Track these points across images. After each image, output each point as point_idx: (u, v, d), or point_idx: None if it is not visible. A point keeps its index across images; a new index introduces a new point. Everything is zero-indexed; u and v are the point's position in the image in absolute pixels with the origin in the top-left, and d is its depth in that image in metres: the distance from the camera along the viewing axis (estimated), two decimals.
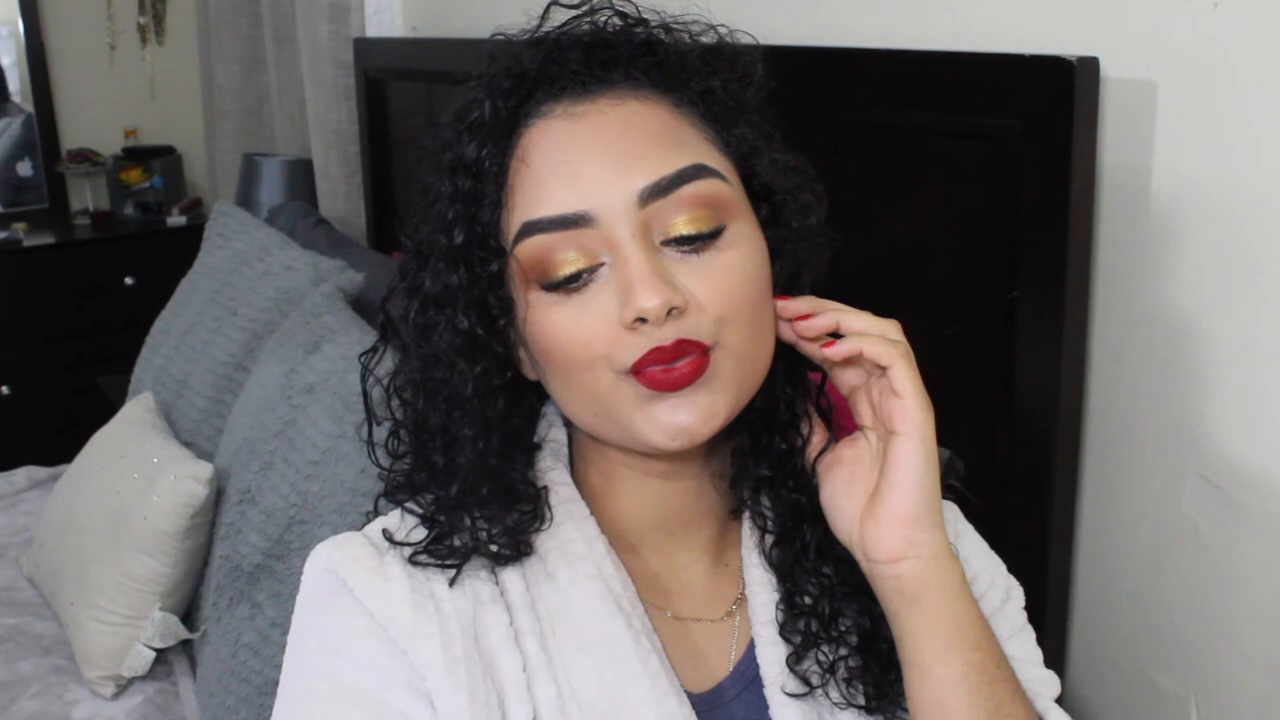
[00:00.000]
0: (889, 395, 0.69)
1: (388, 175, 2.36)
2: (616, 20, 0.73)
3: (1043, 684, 0.78)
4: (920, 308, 1.13)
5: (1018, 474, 1.09)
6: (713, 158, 0.70)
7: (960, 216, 1.13)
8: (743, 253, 0.69)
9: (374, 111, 2.32)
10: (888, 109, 1.16)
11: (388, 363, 0.77)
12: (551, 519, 0.74)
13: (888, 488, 0.69)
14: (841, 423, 0.77)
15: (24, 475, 2.30)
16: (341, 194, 2.52)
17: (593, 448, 0.77)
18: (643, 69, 0.72)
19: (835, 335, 0.71)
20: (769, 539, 0.77)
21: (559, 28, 0.73)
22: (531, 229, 0.68)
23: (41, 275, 3.26)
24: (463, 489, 0.73)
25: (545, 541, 0.74)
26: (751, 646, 0.76)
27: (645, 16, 0.74)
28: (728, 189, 0.70)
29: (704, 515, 0.78)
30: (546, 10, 0.74)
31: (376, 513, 0.78)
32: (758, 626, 0.75)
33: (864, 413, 0.73)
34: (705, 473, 0.77)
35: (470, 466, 0.73)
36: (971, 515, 0.86)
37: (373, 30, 2.37)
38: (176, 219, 3.46)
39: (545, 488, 0.75)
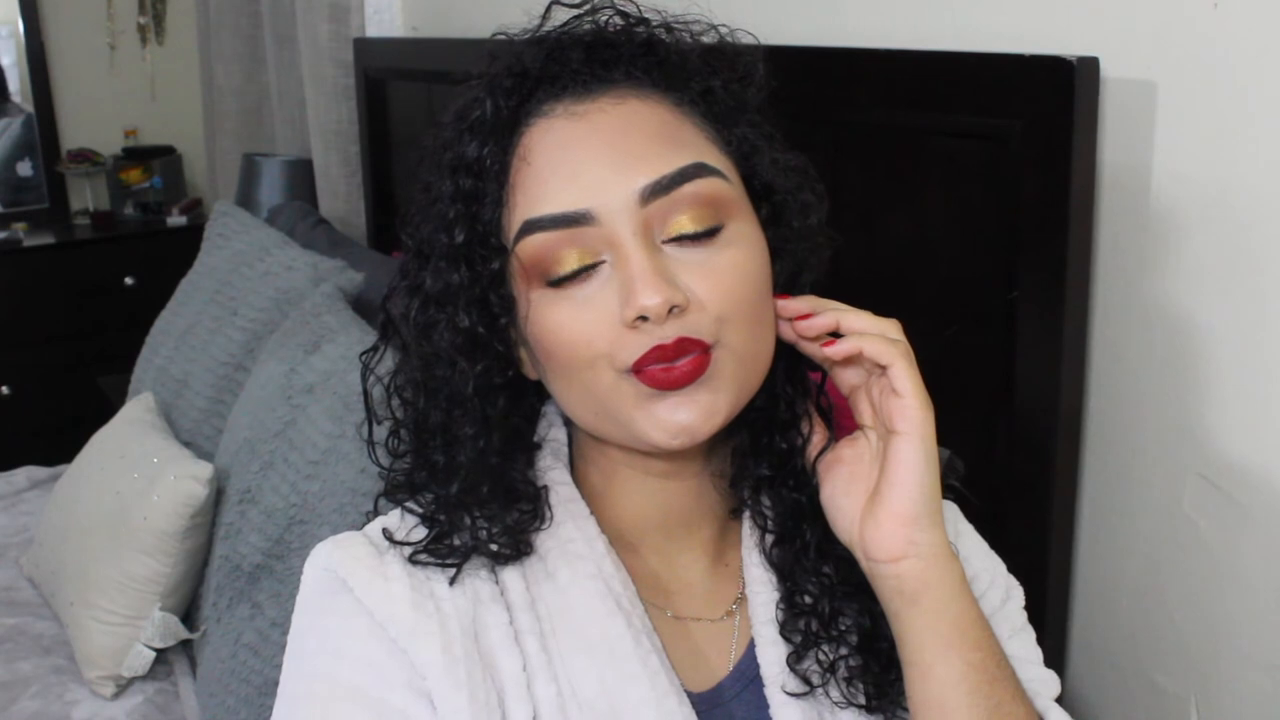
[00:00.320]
0: (889, 394, 0.69)
1: (388, 175, 2.36)
2: (618, 20, 0.74)
3: (1043, 683, 0.78)
4: (920, 308, 1.13)
5: (1018, 474, 1.09)
6: (713, 157, 0.70)
7: (960, 216, 1.13)
8: (743, 251, 0.69)
9: (374, 111, 2.32)
10: (888, 109, 1.16)
11: (388, 362, 0.77)
12: (551, 518, 0.74)
13: (888, 487, 0.69)
14: (842, 422, 0.77)
15: (24, 475, 2.30)
16: (341, 194, 2.52)
17: (593, 447, 0.77)
18: (644, 68, 0.72)
19: (835, 335, 0.71)
20: (769, 538, 0.77)
21: (560, 27, 0.73)
22: (532, 227, 0.68)
23: (41, 275, 3.26)
24: (463, 488, 0.73)
25: (545, 541, 0.74)
26: (751, 646, 0.76)
27: (646, 16, 0.74)
28: (728, 188, 0.70)
29: (704, 515, 0.78)
30: (548, 10, 0.74)
31: (376, 512, 0.78)
32: (758, 626, 0.75)
33: (864, 412, 0.73)
34: (705, 472, 0.77)
35: (470, 465, 0.73)
36: (971, 515, 0.86)
37: (373, 30, 2.37)
38: (176, 219, 3.46)
39: (545, 487, 0.75)
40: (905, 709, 0.72)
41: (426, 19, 2.31)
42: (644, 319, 0.65)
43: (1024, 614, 0.82)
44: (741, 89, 0.74)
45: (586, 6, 0.74)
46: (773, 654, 0.74)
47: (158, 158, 3.55)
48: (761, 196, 0.73)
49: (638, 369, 0.66)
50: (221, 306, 1.95)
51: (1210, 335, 0.99)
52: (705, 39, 0.76)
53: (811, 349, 0.72)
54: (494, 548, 0.72)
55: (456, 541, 0.72)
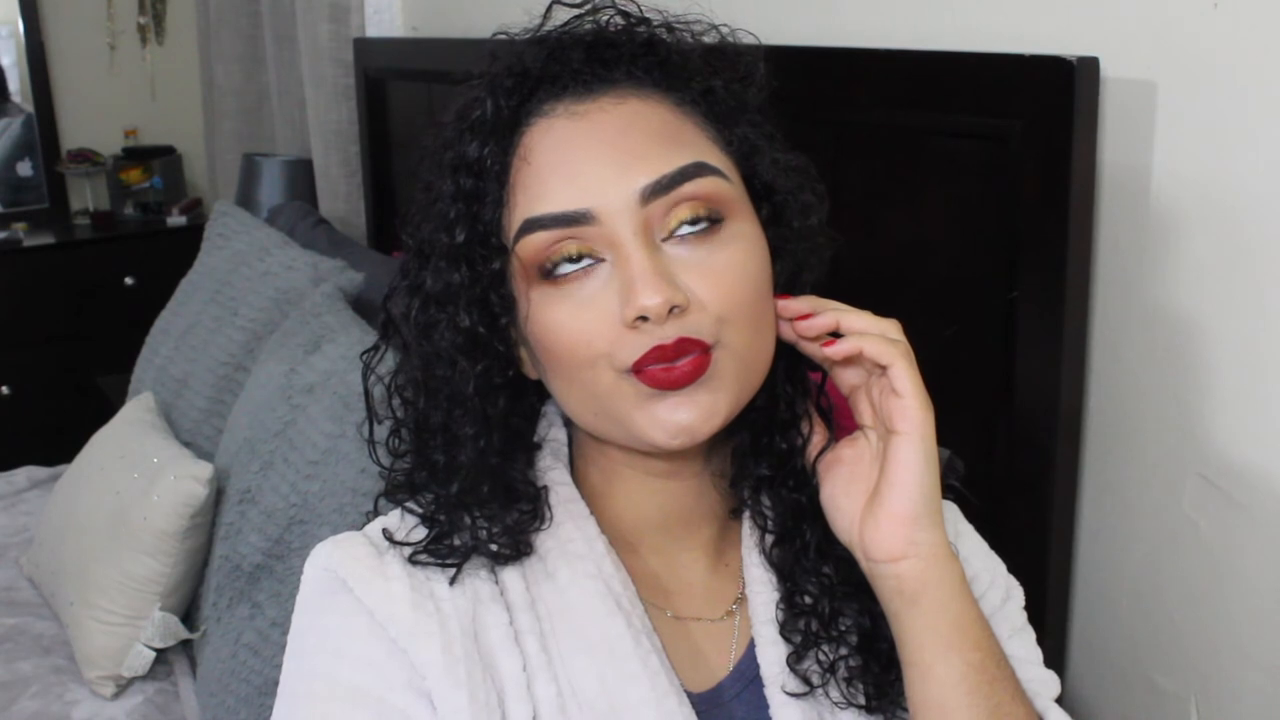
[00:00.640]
0: (889, 394, 0.69)
1: (388, 175, 2.36)
2: (619, 19, 0.74)
3: (1043, 684, 0.78)
4: (920, 308, 1.13)
5: (1018, 474, 1.09)
6: (714, 156, 0.70)
7: (960, 216, 1.13)
8: (744, 251, 0.69)
9: (374, 111, 2.32)
10: (888, 109, 1.16)
11: (389, 361, 0.77)
12: (551, 518, 0.74)
13: (887, 487, 0.69)
14: (842, 423, 0.77)
15: (24, 475, 2.30)
16: (341, 194, 2.52)
17: (593, 447, 0.77)
18: (645, 68, 0.72)
19: (835, 335, 0.71)
20: (769, 538, 0.77)
21: (561, 27, 0.73)
22: (533, 226, 0.68)
23: (41, 275, 3.26)
24: (463, 488, 0.73)
25: (545, 541, 0.74)
26: (751, 646, 0.76)
27: (647, 16, 0.74)
28: (729, 187, 0.70)
29: (704, 515, 0.78)
30: (549, 10, 0.74)
31: (376, 512, 0.78)
32: (758, 626, 0.75)
33: (864, 412, 0.73)
34: (705, 472, 0.77)
35: (471, 465, 0.73)
36: (971, 515, 0.86)
37: (373, 30, 2.37)
38: (176, 219, 3.46)
39: (545, 487, 0.75)
40: (905, 709, 0.72)
41: (426, 19, 2.31)
42: (644, 319, 0.65)
43: (1024, 614, 0.82)
44: (742, 89, 0.74)
45: (587, 6, 0.74)
46: (772, 654, 0.74)
47: (158, 158, 3.55)
48: (762, 197, 0.73)
49: (638, 369, 0.66)
50: (221, 306, 1.95)
51: (1210, 335, 0.99)
52: (706, 39, 0.76)
53: (811, 349, 0.72)
54: (494, 548, 0.72)
55: (456, 541, 0.72)
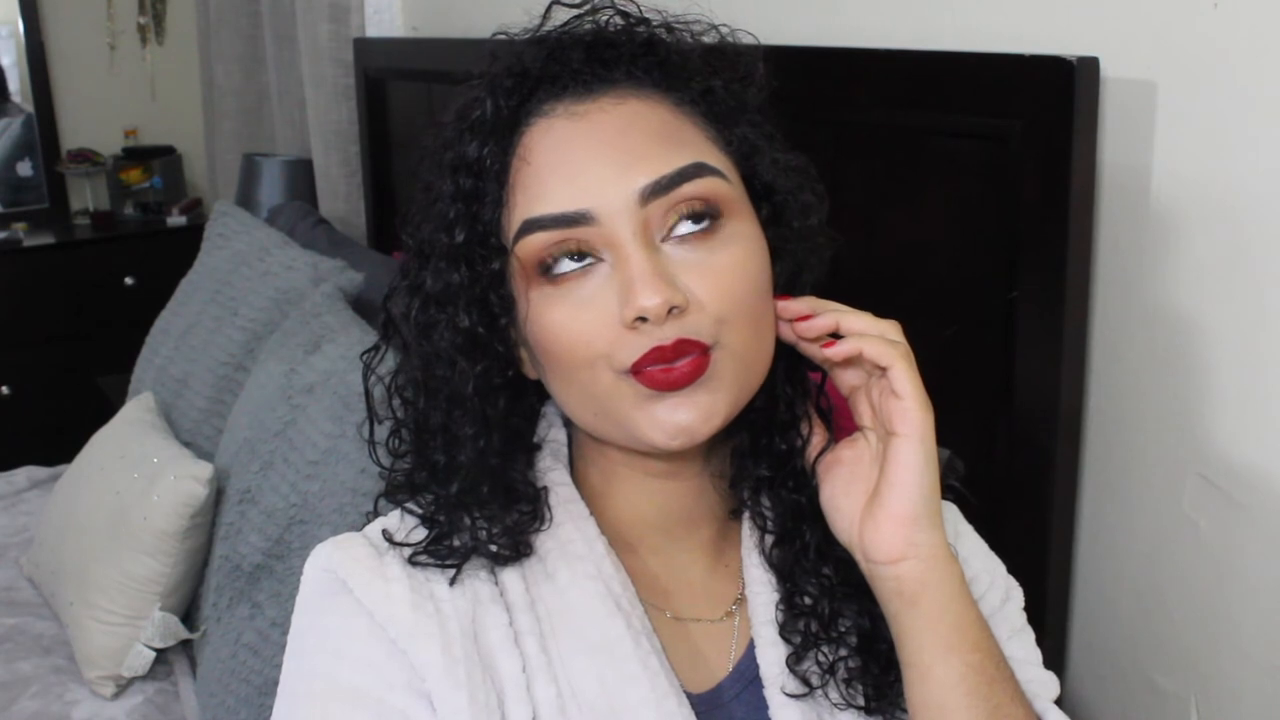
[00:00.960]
0: (888, 396, 0.69)
1: (388, 175, 2.36)
2: (618, 20, 0.73)
3: (1042, 685, 0.78)
4: (920, 308, 1.13)
5: (1018, 474, 1.09)
6: (714, 157, 0.70)
7: (960, 216, 1.13)
8: (743, 251, 0.69)
9: (374, 111, 2.32)
10: (888, 109, 1.16)
11: (390, 362, 0.77)
12: (551, 519, 0.74)
13: (887, 488, 0.69)
14: (841, 423, 0.77)
15: (24, 475, 2.30)
16: (341, 194, 2.52)
17: (592, 448, 0.77)
18: (644, 68, 0.72)
19: (835, 336, 0.71)
20: (769, 539, 0.77)
21: (561, 27, 0.73)
22: (532, 226, 0.68)
23: (41, 275, 3.26)
24: (463, 488, 0.73)
25: (545, 542, 0.74)
26: (751, 647, 0.76)
27: (647, 16, 0.74)
28: (728, 187, 0.70)
29: (704, 515, 0.78)
30: (548, 10, 0.74)
31: (376, 513, 0.78)
32: (757, 626, 0.75)
33: (864, 413, 0.73)
34: (705, 473, 0.77)
35: (471, 465, 0.73)
36: (971, 515, 0.86)
37: (373, 30, 2.37)
38: (176, 219, 3.46)
39: (545, 488, 0.75)
40: (904, 710, 0.72)
41: (426, 19, 2.31)
42: (643, 319, 0.65)
43: (1023, 615, 0.82)
44: (742, 89, 0.74)
45: (587, 6, 0.74)
46: (772, 655, 0.74)
47: (158, 158, 3.55)
48: (762, 197, 0.73)
49: (637, 370, 0.66)
50: (221, 306, 1.95)
51: (1210, 335, 0.99)
52: (706, 39, 0.76)
53: (811, 350, 0.72)
54: (493, 548, 0.72)
55: (456, 542, 0.72)
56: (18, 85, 3.48)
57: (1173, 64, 0.97)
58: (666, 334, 0.66)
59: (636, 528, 0.77)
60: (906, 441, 0.68)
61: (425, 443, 0.74)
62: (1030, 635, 0.81)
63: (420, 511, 0.74)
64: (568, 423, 0.79)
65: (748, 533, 0.78)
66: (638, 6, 0.74)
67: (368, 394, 0.77)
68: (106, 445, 1.84)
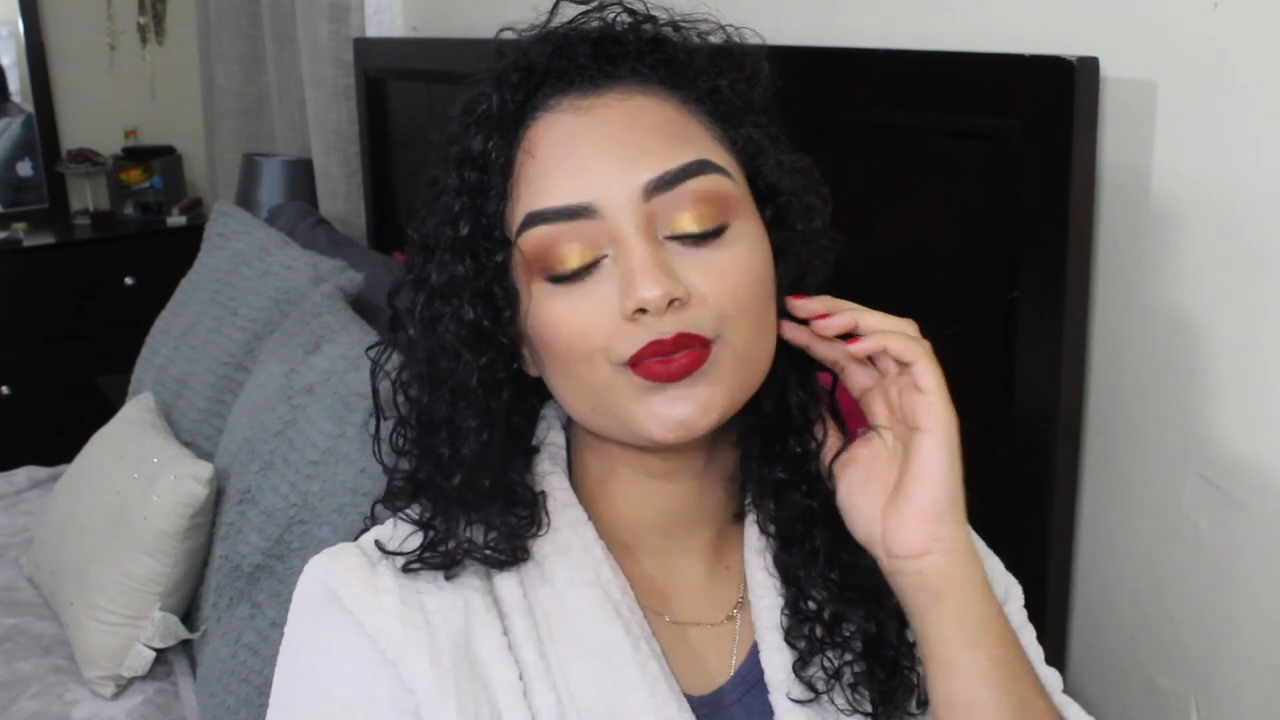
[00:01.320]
0: (911, 392, 0.69)
1: (388, 175, 2.36)
2: (625, 17, 0.74)
3: (1045, 682, 0.78)
4: (920, 308, 1.12)
5: (1018, 474, 1.09)
6: (718, 155, 0.70)
7: (960, 216, 1.13)
8: (746, 250, 0.69)
9: (374, 111, 2.32)
10: (888, 109, 1.16)
11: (397, 360, 0.77)
12: (549, 524, 0.74)
13: (912, 483, 0.68)
14: (851, 425, 0.77)
15: (24, 475, 2.30)
16: (341, 194, 2.52)
17: (591, 449, 0.77)
18: (651, 65, 0.72)
19: (850, 335, 0.71)
20: (774, 543, 0.77)
21: (568, 23, 0.73)
22: (535, 219, 0.68)
23: (41, 275, 3.26)
24: (464, 482, 0.72)
25: (542, 546, 0.73)
26: (754, 651, 0.75)
27: (654, 14, 0.74)
28: (732, 186, 0.69)
29: (703, 518, 0.78)
30: (555, 6, 0.74)
31: (374, 518, 0.78)
32: (762, 631, 0.75)
33: (879, 412, 0.72)
34: (706, 474, 0.77)
35: (474, 458, 0.72)
36: (971, 515, 0.85)
37: (373, 30, 2.37)
38: (176, 219, 3.46)
39: (543, 493, 0.75)
40: (911, 714, 0.72)
41: (426, 19, 2.31)
42: (643, 311, 0.65)
43: (1024, 613, 0.82)
44: (748, 89, 0.74)
45: (594, 4, 0.74)
46: (777, 660, 0.74)
47: (158, 158, 3.55)
48: (766, 198, 0.73)
49: (635, 362, 0.66)
50: (221, 306, 1.95)
51: (1210, 335, 0.99)
52: (712, 39, 0.76)
53: (825, 349, 0.72)
54: (489, 551, 0.72)
55: (452, 544, 0.72)
56: (18, 85, 3.48)
57: (1173, 64, 0.97)
58: (666, 327, 0.65)
59: (635, 530, 0.77)
60: (931, 436, 0.68)
61: (429, 436, 0.74)
62: (1031, 632, 0.81)
63: (415, 519, 0.74)
64: (567, 426, 0.79)
65: (752, 537, 0.78)
66: (645, 4, 0.75)
67: (374, 390, 0.76)
68: (106, 445, 1.84)
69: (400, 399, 0.75)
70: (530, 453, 0.77)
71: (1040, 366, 1.04)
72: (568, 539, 0.73)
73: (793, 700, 0.72)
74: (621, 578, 0.73)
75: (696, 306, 0.66)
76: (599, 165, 0.67)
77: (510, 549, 0.72)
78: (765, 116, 0.74)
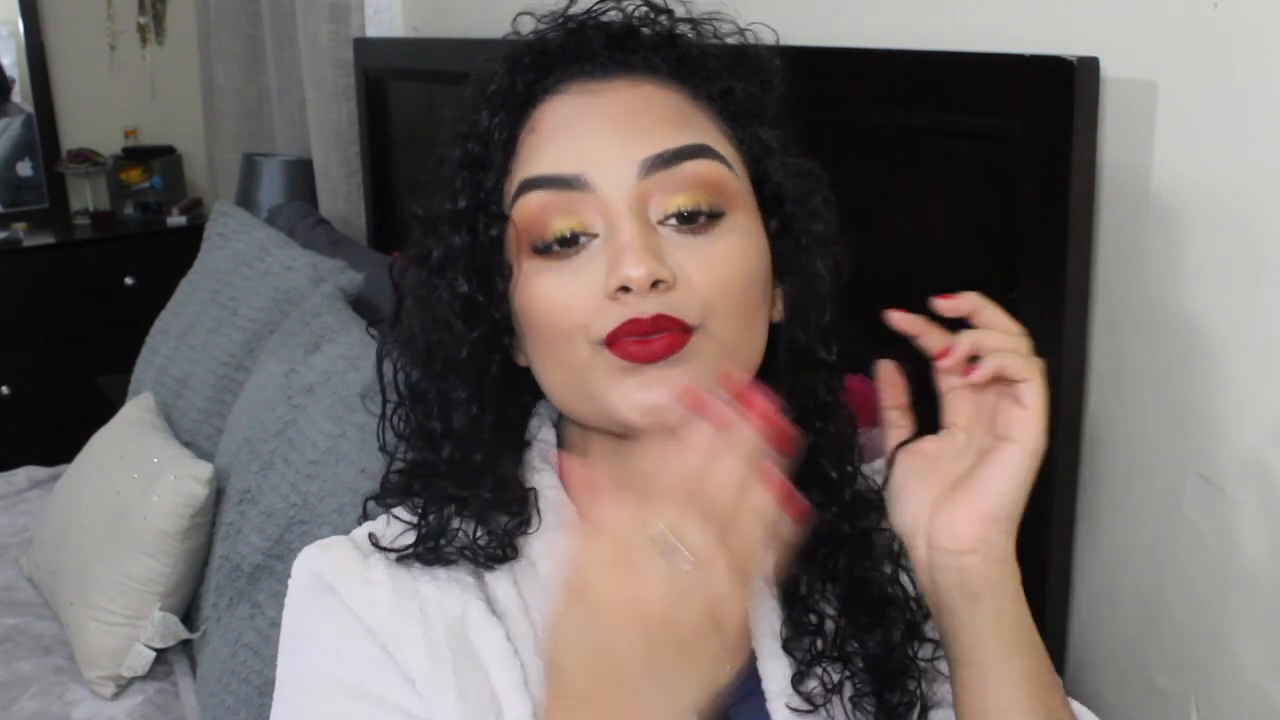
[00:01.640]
0: (1011, 404, 0.68)
1: (388, 175, 2.36)
2: (643, 10, 0.74)
3: None
4: (920, 308, 1.12)
5: None
6: (723, 147, 0.70)
7: (960, 216, 1.13)
8: (740, 243, 0.68)
9: (374, 111, 2.32)
10: (888, 109, 1.16)
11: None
12: (540, 522, 0.74)
13: (980, 483, 0.68)
14: (860, 423, 0.76)
15: (24, 475, 2.30)
16: (341, 194, 2.52)
17: (579, 445, 0.76)
18: (664, 59, 0.72)
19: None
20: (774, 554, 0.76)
21: (586, 12, 0.73)
22: (529, 185, 0.68)
23: (41, 275, 3.26)
24: (454, 457, 0.72)
25: (534, 544, 0.73)
26: (751, 659, 0.75)
27: (672, 9, 0.74)
28: (733, 178, 0.69)
29: None
30: None
31: (366, 515, 0.78)
32: (759, 639, 0.74)
33: (961, 411, 0.71)
34: None
35: (464, 432, 0.72)
36: None
37: (373, 30, 2.37)
38: (176, 219, 3.46)
39: (534, 490, 0.75)
40: None
41: (426, 19, 2.31)
42: (626, 290, 0.64)
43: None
44: (761, 93, 0.74)
45: None
46: (775, 668, 0.73)
47: (158, 158, 3.55)
48: (771, 202, 0.72)
49: (611, 341, 0.65)
50: (221, 306, 1.95)
51: (1210, 335, 0.99)
52: (731, 40, 0.76)
53: (935, 342, 0.70)
54: (481, 544, 0.72)
55: (443, 542, 0.72)
56: (18, 85, 3.48)
57: (1173, 64, 0.97)
58: (646, 307, 0.65)
59: None
60: (1019, 449, 0.67)
61: (421, 410, 0.74)
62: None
63: (408, 518, 0.74)
64: (558, 424, 0.79)
65: None
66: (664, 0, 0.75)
67: (379, 371, 0.76)
68: (106, 445, 1.84)
69: (400, 378, 0.75)
70: (521, 446, 0.77)
71: None
72: (560, 539, 0.73)
73: (791, 709, 0.72)
74: None
75: (682, 291, 0.65)
76: (597, 140, 0.67)
77: (501, 546, 0.72)
78: (777, 122, 0.74)
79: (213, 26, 3.04)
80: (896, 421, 0.74)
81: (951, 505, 0.69)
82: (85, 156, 3.48)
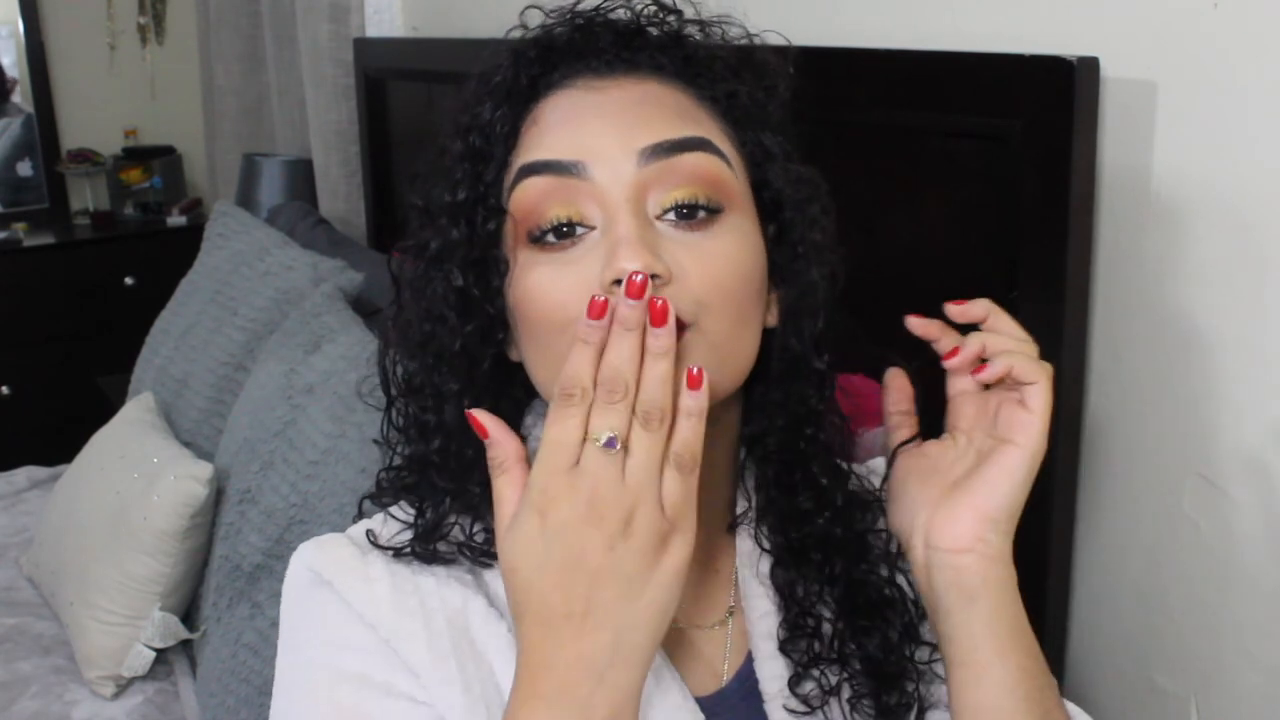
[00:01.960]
0: (1014, 406, 0.69)
1: (388, 175, 2.36)
2: (652, 8, 0.74)
3: None
4: (920, 308, 1.12)
5: None
6: (724, 147, 0.69)
7: (960, 216, 1.13)
8: (737, 241, 0.68)
9: (374, 111, 2.32)
10: (888, 109, 1.16)
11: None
12: None
13: (980, 483, 0.69)
14: (853, 426, 0.76)
15: (24, 475, 2.30)
16: (341, 194, 2.52)
17: None
18: (670, 59, 0.72)
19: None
20: (770, 557, 0.75)
21: (594, 8, 0.73)
22: (526, 171, 0.67)
23: (41, 275, 3.26)
24: (446, 448, 0.72)
25: None
26: (748, 660, 0.75)
27: (681, 9, 0.74)
28: (731, 176, 0.69)
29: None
30: None
31: (361, 514, 0.77)
32: (756, 639, 0.74)
33: (965, 415, 0.72)
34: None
35: (455, 424, 0.71)
36: None
37: (373, 30, 2.37)
38: (176, 219, 3.46)
39: None
40: None
41: (426, 19, 2.31)
42: (620, 283, 0.64)
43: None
44: (766, 99, 0.74)
45: None
46: (772, 669, 0.73)
47: (158, 158, 3.55)
48: (770, 208, 0.72)
49: None
50: (221, 306, 1.95)
51: (1210, 335, 0.99)
52: (738, 43, 0.76)
53: (950, 344, 0.72)
54: (477, 541, 0.72)
55: (442, 547, 0.72)
56: (18, 85, 3.48)
57: (1173, 64, 0.97)
58: None
59: None
60: (1020, 451, 0.68)
61: (414, 402, 0.73)
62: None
63: (404, 517, 0.74)
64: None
65: (745, 547, 0.77)
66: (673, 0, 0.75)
67: (381, 365, 0.76)
68: (106, 445, 1.85)
69: (398, 370, 0.75)
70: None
71: None
72: None
73: (788, 710, 0.72)
74: None
75: (676, 287, 0.65)
76: (598, 130, 0.67)
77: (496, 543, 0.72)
78: (780, 128, 0.74)
79: (213, 26, 3.04)
80: (900, 424, 0.75)
81: (950, 505, 0.69)
82: (85, 156, 3.48)
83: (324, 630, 0.70)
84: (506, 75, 0.71)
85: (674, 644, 0.74)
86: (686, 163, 0.67)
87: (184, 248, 2.38)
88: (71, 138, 3.52)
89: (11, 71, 3.48)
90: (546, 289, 0.67)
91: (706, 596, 0.77)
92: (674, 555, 0.61)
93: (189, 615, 1.67)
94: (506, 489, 0.63)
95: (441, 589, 0.70)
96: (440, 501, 0.72)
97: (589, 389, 0.60)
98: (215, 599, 1.50)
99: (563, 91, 0.70)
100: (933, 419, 0.75)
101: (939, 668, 0.74)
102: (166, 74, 3.61)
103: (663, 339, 0.61)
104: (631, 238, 0.64)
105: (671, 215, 0.67)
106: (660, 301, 0.61)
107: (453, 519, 0.72)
